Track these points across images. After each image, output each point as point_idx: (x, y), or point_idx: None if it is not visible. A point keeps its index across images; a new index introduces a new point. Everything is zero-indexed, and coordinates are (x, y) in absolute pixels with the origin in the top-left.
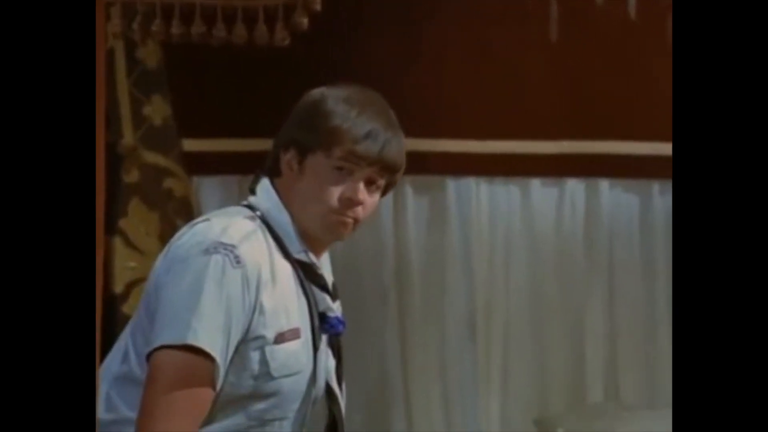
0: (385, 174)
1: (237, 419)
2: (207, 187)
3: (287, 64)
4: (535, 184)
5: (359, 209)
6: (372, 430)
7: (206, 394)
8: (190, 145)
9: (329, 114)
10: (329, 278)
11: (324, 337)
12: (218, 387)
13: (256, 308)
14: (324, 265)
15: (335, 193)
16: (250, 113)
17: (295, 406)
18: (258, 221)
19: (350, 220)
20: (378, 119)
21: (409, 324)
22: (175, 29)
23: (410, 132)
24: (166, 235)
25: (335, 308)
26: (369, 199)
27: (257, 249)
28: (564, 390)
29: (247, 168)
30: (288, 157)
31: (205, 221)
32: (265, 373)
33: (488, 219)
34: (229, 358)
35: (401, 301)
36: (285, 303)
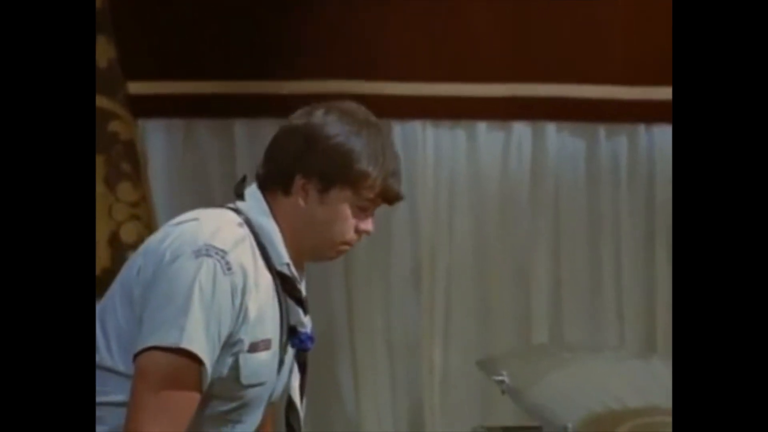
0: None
1: (195, 416)
2: (153, 130)
3: (233, 4)
4: (482, 127)
5: None
6: (318, 378)
7: (194, 398)
8: (136, 87)
9: (359, 156)
10: (304, 292)
11: (291, 350)
12: (204, 390)
13: (240, 315)
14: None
15: (352, 225)
16: (196, 54)
17: (252, 413)
18: (246, 228)
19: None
20: (394, 155)
21: (354, 270)
22: None
23: (356, 74)
24: (111, 179)
25: (306, 323)
26: None
27: (245, 256)
28: (508, 335)
29: (194, 111)
30: (305, 182)
31: (193, 221)
32: (234, 379)
33: (434, 163)
34: (214, 362)
35: None
36: (262, 313)
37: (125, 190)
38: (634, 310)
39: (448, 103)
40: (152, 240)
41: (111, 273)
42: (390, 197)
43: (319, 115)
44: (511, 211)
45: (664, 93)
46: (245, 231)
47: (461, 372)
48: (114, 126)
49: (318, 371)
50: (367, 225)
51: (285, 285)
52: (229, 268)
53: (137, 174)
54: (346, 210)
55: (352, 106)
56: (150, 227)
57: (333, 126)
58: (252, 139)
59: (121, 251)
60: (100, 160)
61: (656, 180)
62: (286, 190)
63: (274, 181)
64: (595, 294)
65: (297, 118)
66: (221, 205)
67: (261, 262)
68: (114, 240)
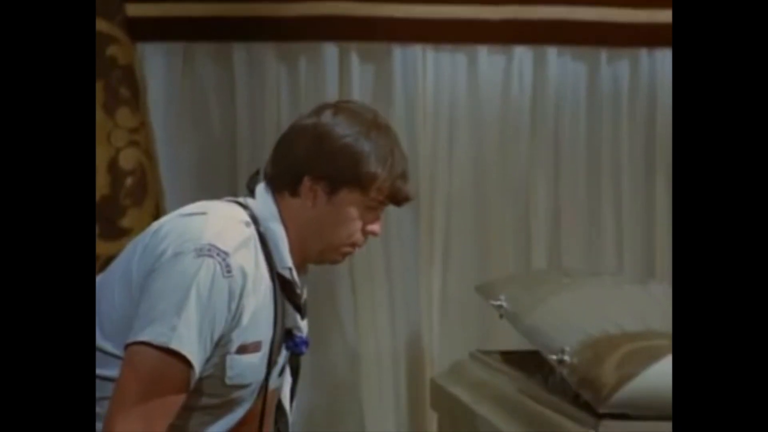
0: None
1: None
2: (152, 54)
3: None
4: (482, 52)
5: None
6: (317, 304)
7: (179, 399)
8: (134, 9)
9: (368, 158)
10: (304, 296)
11: (284, 353)
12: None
13: (235, 319)
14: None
15: (359, 227)
16: None
17: (234, 411)
18: (252, 227)
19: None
20: (403, 157)
21: None
22: None
23: None
24: (110, 105)
25: (302, 327)
26: None
27: (247, 259)
28: (507, 260)
29: (194, 34)
30: (313, 185)
31: (201, 215)
32: (219, 379)
33: (434, 88)
34: (203, 363)
35: None
36: (257, 315)
37: (124, 115)
38: (633, 236)
39: (448, 27)
40: (157, 228)
41: (110, 200)
42: (398, 199)
43: (328, 115)
44: (511, 136)
45: (667, 16)
46: (251, 231)
47: (460, 297)
48: (112, 50)
49: (317, 297)
50: (375, 227)
51: (284, 288)
52: (229, 271)
53: (136, 99)
54: (354, 212)
55: (360, 106)
56: (149, 153)
57: (342, 127)
58: (251, 63)
59: (120, 177)
60: (98, 86)
61: (657, 105)
62: (294, 191)
63: (282, 182)
64: (595, 220)
65: (306, 117)
66: (231, 199)
67: (263, 263)
68: (113, 166)
